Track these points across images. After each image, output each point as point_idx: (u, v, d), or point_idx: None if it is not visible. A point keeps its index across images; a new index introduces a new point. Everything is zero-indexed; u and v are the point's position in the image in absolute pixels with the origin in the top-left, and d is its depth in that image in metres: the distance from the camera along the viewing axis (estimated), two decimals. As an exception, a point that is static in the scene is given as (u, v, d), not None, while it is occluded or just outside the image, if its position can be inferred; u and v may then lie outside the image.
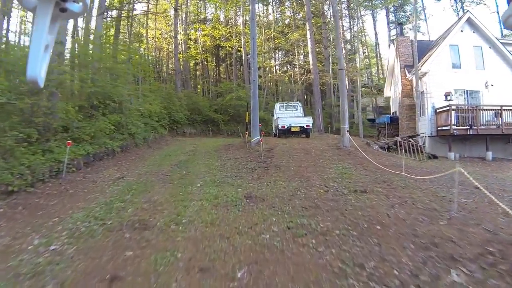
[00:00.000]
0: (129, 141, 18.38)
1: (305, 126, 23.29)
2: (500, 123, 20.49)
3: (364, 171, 11.87)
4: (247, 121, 21.53)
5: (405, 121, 26.12)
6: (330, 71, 40.42)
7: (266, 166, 12.44)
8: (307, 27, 35.72)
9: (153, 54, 49.89)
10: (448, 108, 20.55)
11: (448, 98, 21.65)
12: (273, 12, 53.16)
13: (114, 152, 15.74)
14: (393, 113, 31.69)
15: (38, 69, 1.53)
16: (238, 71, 50.69)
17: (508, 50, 23.82)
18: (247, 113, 21.92)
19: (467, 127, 20.25)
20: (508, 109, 20.62)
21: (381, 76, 53.47)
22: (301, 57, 48.60)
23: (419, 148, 19.61)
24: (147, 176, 11.43)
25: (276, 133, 24.42)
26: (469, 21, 23.87)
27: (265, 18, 51.71)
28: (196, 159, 15.98)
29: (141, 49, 46.16)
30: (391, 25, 52.34)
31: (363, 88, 45.66)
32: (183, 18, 47.32)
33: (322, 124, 34.70)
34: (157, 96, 32.40)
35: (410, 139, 21.00)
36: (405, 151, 19.10)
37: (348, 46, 49.64)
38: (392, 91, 32.39)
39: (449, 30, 25.20)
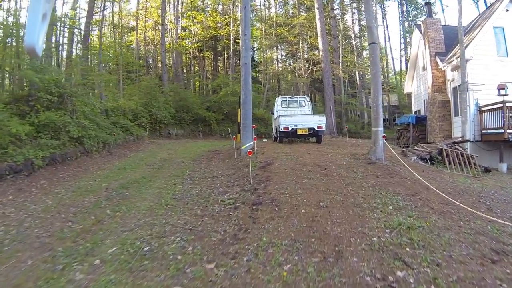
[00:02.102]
0: (71, 149, 13.75)
1: (316, 128, 17.41)
2: None
3: (436, 215, 6.65)
4: (238, 120, 16.27)
5: (437, 122, 21.14)
6: (340, 64, 35.72)
7: (256, 202, 7.28)
8: (316, 6, 29.99)
9: (145, 47, 45.21)
10: (501, 105, 15.97)
11: (502, 92, 16.97)
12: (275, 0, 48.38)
13: (33, 167, 10.89)
14: (415, 112, 27.05)
15: (36, 38, 1.48)
16: (237, 66, 45.90)
17: None
18: (239, 110, 16.56)
19: None
20: None
21: (391, 73, 51.44)
22: (306, 49, 43.61)
23: (469, 159, 14.68)
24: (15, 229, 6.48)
25: (277, 136, 18.69)
26: None
27: (266, 11, 46.98)
28: (157, 176, 11.26)
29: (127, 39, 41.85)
30: (405, 14, 49.37)
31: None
32: (175, 6, 43.20)
33: (335, 125, 29.14)
34: (137, 91, 28.23)
35: (457, 146, 16.01)
36: (453, 163, 14.38)
37: (357, 41, 45.34)
38: (415, 86, 27.68)
39: (492, 9, 20.55)
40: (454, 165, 14.21)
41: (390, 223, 5.84)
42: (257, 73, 43.87)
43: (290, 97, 21.76)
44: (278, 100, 20.78)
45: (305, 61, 40.57)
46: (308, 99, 21.46)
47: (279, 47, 46.97)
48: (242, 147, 13.07)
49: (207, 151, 16.55)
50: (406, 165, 10.52)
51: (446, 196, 7.78)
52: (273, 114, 20.80)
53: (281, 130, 17.17)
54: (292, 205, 6.88)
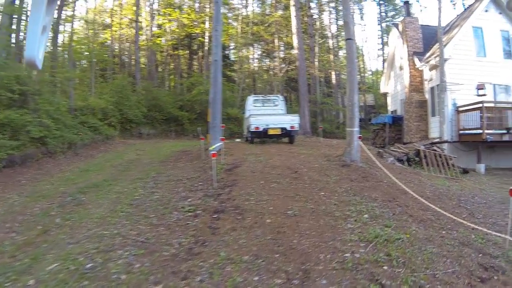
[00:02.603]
0: (32, 150, 12.86)
1: (288, 128, 16.75)
2: None
3: (416, 224, 6.11)
4: (208, 120, 15.60)
5: (413, 122, 20.89)
6: (316, 63, 35.44)
7: (218, 209, 6.61)
8: (292, 3, 29.18)
9: (120, 44, 44.02)
10: (480, 105, 15.83)
11: (481, 92, 17.18)
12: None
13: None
14: (391, 112, 26.73)
15: (36, 51, 1.47)
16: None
17: None
18: (209, 109, 15.91)
19: (502, 132, 15.84)
20: None
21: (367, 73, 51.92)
22: (283, 48, 43.03)
23: (447, 160, 14.25)
24: None
25: (249, 137, 17.92)
26: (495, 0, 19.30)
27: (243, 9, 46.27)
28: (120, 179, 10.38)
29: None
30: (382, 14, 49.73)
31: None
32: (151, 3, 41.80)
33: (310, 125, 28.20)
34: (109, 90, 27.33)
35: (435, 147, 15.57)
36: (431, 164, 13.95)
37: (334, 41, 44.93)
38: (391, 86, 27.41)
39: (471, 9, 20.40)
40: (432, 166, 13.78)
41: (366, 235, 5.25)
42: (232, 72, 43.11)
43: (263, 96, 21.02)
44: (250, 99, 19.96)
45: (281, 60, 39.98)
46: (281, 98, 20.73)
47: (255, 46, 46.30)
48: (210, 148, 12.39)
49: (177, 151, 15.79)
50: (382, 167, 9.93)
51: (425, 202, 7.27)
52: (244, 113, 20.11)
53: (251, 130, 16.53)
54: (256, 214, 6.26)
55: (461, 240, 5.45)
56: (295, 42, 28.84)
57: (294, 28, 28.72)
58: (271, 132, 16.53)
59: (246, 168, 10.13)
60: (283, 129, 16.60)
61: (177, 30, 39.72)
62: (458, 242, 5.29)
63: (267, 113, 18.00)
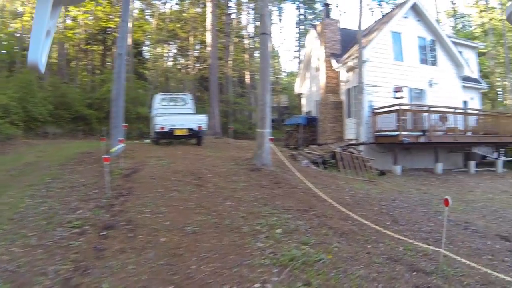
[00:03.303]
0: None
1: (196, 128, 15.96)
2: (449, 128, 17.40)
3: (337, 238, 5.49)
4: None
5: (328, 123, 20.78)
6: (230, 62, 35.23)
7: (108, 225, 5.59)
8: None
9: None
10: (397, 108, 15.98)
11: (399, 95, 17.52)
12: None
13: None
14: (306, 113, 26.62)
15: (39, 55, 1.43)
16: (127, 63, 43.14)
17: (455, 44, 21.65)
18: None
19: (419, 134, 16.02)
20: (462, 113, 18.54)
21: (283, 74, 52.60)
22: (198, 47, 41.99)
23: (364, 162, 14.04)
24: None
25: (155, 138, 16.95)
26: (414, 8, 20.18)
27: (161, 6, 44.72)
28: (9, 186, 8.83)
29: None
30: (301, 17, 50.59)
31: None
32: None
33: (220, 125, 27.31)
34: (12, 85, 25.00)
35: (351, 149, 15.35)
36: (348, 166, 13.68)
37: (250, 42, 44.60)
38: (307, 87, 27.31)
39: (391, 14, 21.18)
40: (349, 169, 13.54)
41: (279, 256, 4.50)
42: (145, 70, 41.48)
43: (171, 94, 20.05)
44: (158, 97, 18.81)
45: (195, 58, 38.97)
46: (190, 96, 19.69)
47: (170, 44, 44.90)
48: (111, 150, 11.24)
49: (80, 153, 14.24)
50: (296, 171, 9.28)
51: (345, 210, 6.66)
52: (151, 113, 18.93)
53: (156, 130, 15.56)
54: (150, 230, 5.38)
55: (390, 254, 4.93)
56: (208, 38, 27.94)
57: (208, 24, 27.79)
58: (177, 132, 15.68)
59: (146, 173, 9.18)
60: (190, 129, 15.80)
61: (91, 23, 37.58)
62: (388, 258, 4.76)
63: (174, 113, 17.05)
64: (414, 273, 4.31)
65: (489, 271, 4.33)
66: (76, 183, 8.72)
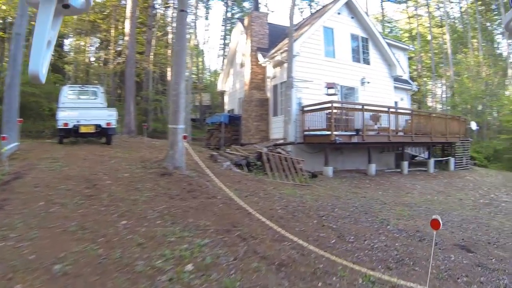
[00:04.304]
0: None
1: (104, 125, 13.70)
2: (381, 128, 16.95)
3: (273, 273, 3.79)
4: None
5: (253, 122, 19.28)
6: (152, 57, 32.86)
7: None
8: None
9: None
10: (329, 105, 14.84)
11: (331, 91, 16.77)
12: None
13: None
14: (228, 111, 25.31)
15: (40, 65, 1.46)
16: (28, 48, 39.23)
17: (388, 45, 21.07)
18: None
19: (352, 133, 14.94)
20: (396, 112, 17.66)
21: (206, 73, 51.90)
22: (121, 41, 39.22)
23: (294, 164, 12.53)
24: None
25: (59, 135, 14.21)
26: (349, 4, 19.55)
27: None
28: None
29: None
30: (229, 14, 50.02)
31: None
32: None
33: (135, 123, 23.97)
34: None
35: (279, 149, 13.80)
36: (276, 169, 12.08)
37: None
38: (230, 84, 26.00)
39: (324, 9, 20.26)
40: (278, 171, 11.93)
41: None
42: (65, 64, 38.10)
43: (80, 87, 17.28)
44: (65, 89, 16.06)
45: (115, 52, 36.20)
46: (102, 89, 17.13)
47: (91, 36, 41.75)
48: (2, 150, 8.97)
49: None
50: (215, 176, 7.38)
51: (280, 229, 4.86)
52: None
53: (59, 126, 13.11)
54: (5, 269, 3.40)
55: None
56: (127, 27, 25.19)
57: (128, 12, 25.06)
58: (83, 129, 13.31)
59: (31, 179, 6.97)
60: (97, 126, 13.47)
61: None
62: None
63: (81, 107, 14.56)
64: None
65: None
66: None
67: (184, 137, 8.61)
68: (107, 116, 13.73)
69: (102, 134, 14.20)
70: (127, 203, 5.77)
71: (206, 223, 5.06)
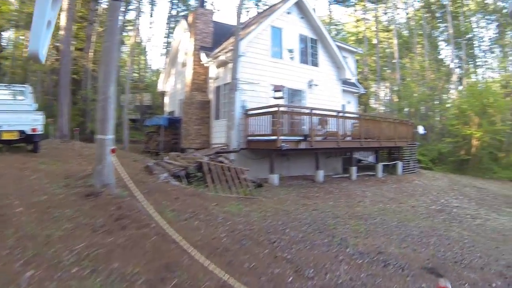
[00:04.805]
0: None
1: (28, 131, 12.07)
2: (329, 132, 16.27)
3: None
4: None
5: (193, 126, 18.33)
6: (91, 54, 31.18)
7: None
8: None
9: None
10: (276, 109, 13.96)
11: (278, 94, 16.17)
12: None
13: None
14: (169, 113, 24.37)
15: (40, 45, 1.54)
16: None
17: (337, 47, 20.87)
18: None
19: (299, 138, 14.22)
20: (345, 116, 17.41)
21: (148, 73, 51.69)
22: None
23: (238, 174, 11.53)
24: None
25: None
26: (299, 4, 19.01)
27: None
28: None
29: None
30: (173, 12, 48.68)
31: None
32: None
33: (68, 126, 21.25)
34: None
35: (221, 158, 12.72)
36: (218, 180, 10.99)
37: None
38: (171, 84, 24.99)
39: (273, 8, 19.74)
40: (220, 183, 10.83)
41: None
42: (3, 59, 35.26)
43: (6, 86, 14.89)
44: None
45: (53, 48, 33.82)
46: (30, 89, 14.78)
47: (29, 30, 38.95)
48: None
49: None
50: (150, 192, 6.17)
51: (226, 276, 3.71)
52: None
53: None
54: None
55: None
56: (63, 20, 23.12)
57: (65, 4, 23.00)
58: (5, 136, 11.71)
59: None
60: (21, 132, 11.88)
61: None
62: None
63: (3, 110, 12.49)
64: None
65: None
66: None
67: (113, 151, 7.25)
68: (33, 121, 12.14)
69: (27, 140, 12.59)
70: (38, 242, 4.32)
71: (134, 269, 3.85)
